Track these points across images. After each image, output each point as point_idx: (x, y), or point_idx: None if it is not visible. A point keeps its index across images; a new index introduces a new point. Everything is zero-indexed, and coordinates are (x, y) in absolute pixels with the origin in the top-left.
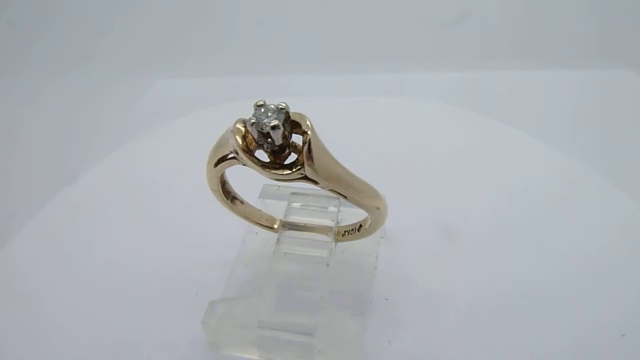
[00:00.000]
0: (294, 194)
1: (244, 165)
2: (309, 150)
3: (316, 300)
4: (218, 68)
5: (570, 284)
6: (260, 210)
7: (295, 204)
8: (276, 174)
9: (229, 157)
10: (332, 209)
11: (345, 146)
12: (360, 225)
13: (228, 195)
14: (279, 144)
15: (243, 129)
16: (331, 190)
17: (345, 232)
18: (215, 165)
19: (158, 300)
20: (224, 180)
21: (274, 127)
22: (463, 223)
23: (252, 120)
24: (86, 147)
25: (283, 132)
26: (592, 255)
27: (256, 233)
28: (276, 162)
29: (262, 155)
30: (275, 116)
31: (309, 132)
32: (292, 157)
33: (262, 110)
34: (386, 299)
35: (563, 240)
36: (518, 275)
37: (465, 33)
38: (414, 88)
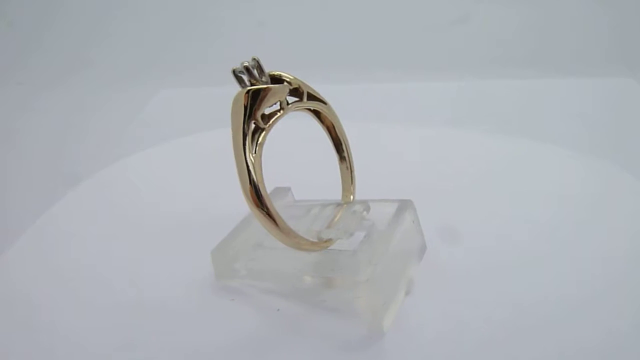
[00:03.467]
0: None
1: None
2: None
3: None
4: (220, 77)
5: (606, 291)
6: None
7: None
8: None
9: None
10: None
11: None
12: None
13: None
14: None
15: None
16: None
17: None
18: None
19: (156, 311)
20: None
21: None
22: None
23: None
24: (87, 157)
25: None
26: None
27: None
28: None
29: None
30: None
31: None
32: None
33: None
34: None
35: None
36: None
37: (470, 42)
38: (420, 97)
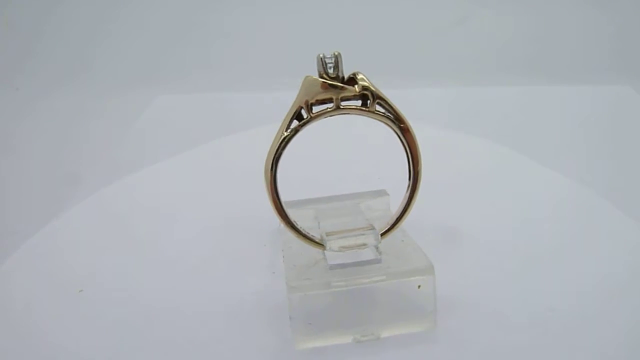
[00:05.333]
0: None
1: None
2: None
3: None
4: (218, 84)
5: (580, 308)
6: None
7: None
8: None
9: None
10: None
11: (351, 167)
12: None
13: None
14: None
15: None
16: None
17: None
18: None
19: (162, 326)
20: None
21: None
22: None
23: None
24: (85, 163)
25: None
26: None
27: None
28: None
29: None
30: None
31: None
32: None
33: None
34: None
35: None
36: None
37: (467, 49)
38: (417, 103)
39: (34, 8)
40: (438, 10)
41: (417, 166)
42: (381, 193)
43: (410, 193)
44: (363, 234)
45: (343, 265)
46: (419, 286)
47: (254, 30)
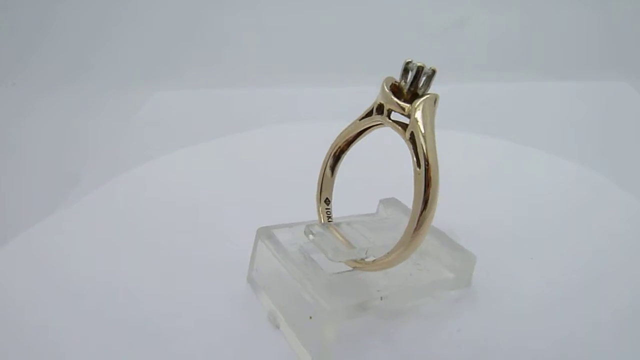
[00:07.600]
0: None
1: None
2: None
3: None
4: (217, 80)
5: (579, 287)
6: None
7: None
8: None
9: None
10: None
11: (357, 167)
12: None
13: (336, 162)
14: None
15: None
16: None
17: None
18: (362, 118)
19: (157, 326)
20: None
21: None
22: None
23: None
24: (84, 161)
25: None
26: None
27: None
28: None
29: None
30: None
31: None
32: None
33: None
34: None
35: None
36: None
37: (463, 46)
38: None
39: (32, 7)
40: (436, 9)
41: (425, 223)
42: (464, 255)
43: (404, 238)
44: (334, 245)
45: (305, 252)
46: (310, 317)
47: (254, 26)
